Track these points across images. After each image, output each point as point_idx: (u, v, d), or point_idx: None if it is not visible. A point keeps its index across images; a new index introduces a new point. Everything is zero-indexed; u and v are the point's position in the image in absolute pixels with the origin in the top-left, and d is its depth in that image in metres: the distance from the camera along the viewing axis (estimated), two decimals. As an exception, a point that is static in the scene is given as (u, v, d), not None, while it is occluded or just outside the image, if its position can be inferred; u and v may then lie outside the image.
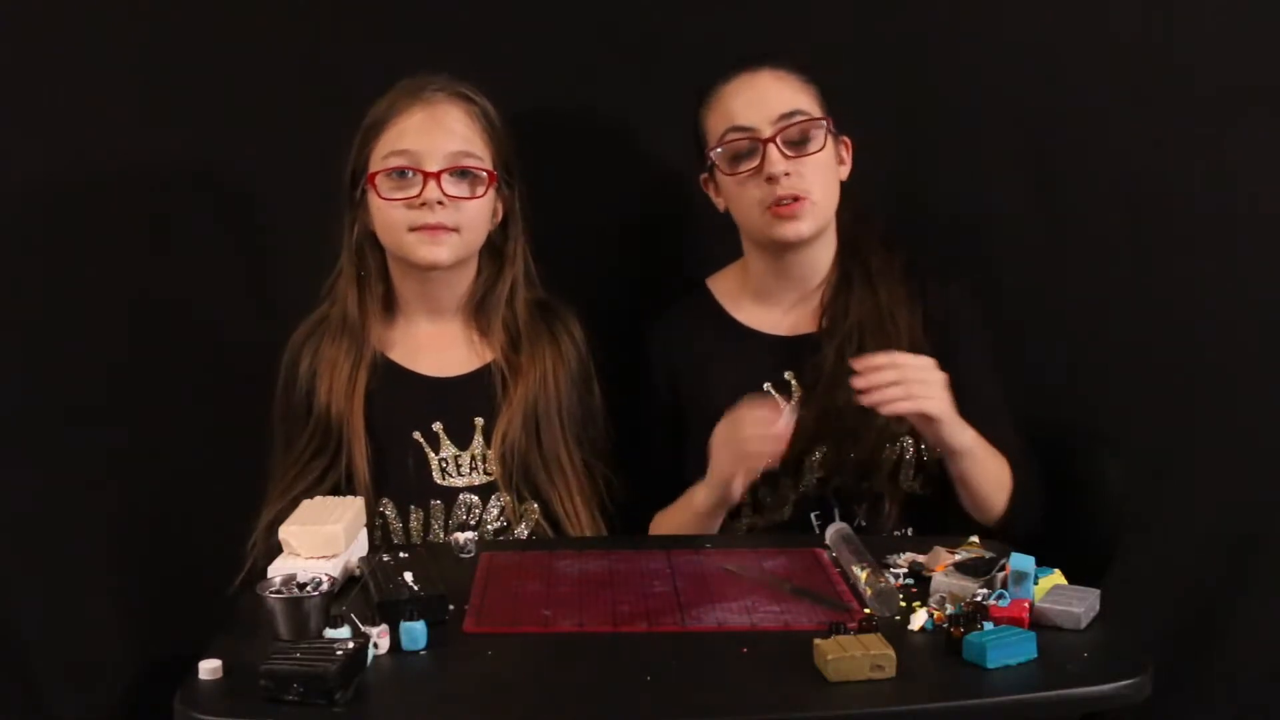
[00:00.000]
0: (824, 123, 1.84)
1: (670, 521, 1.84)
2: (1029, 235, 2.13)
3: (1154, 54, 2.08)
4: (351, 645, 1.28)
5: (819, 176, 1.83)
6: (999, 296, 2.07)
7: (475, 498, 1.83)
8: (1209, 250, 2.12)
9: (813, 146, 1.82)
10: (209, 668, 1.30)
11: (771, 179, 1.80)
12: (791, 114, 1.81)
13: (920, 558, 1.54)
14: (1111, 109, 2.09)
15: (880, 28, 2.08)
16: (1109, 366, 2.14)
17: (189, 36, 2.04)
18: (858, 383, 1.66)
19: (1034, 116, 2.11)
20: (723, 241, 1.96)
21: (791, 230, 1.82)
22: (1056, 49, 2.09)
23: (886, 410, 1.68)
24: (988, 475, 1.77)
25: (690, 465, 1.83)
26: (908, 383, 1.66)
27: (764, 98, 1.83)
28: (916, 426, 1.73)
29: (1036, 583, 1.40)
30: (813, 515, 1.84)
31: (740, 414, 1.71)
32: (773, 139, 1.80)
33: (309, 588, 1.40)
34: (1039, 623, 1.36)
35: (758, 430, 1.69)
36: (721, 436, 1.73)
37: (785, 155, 1.80)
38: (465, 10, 2.06)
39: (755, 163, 1.81)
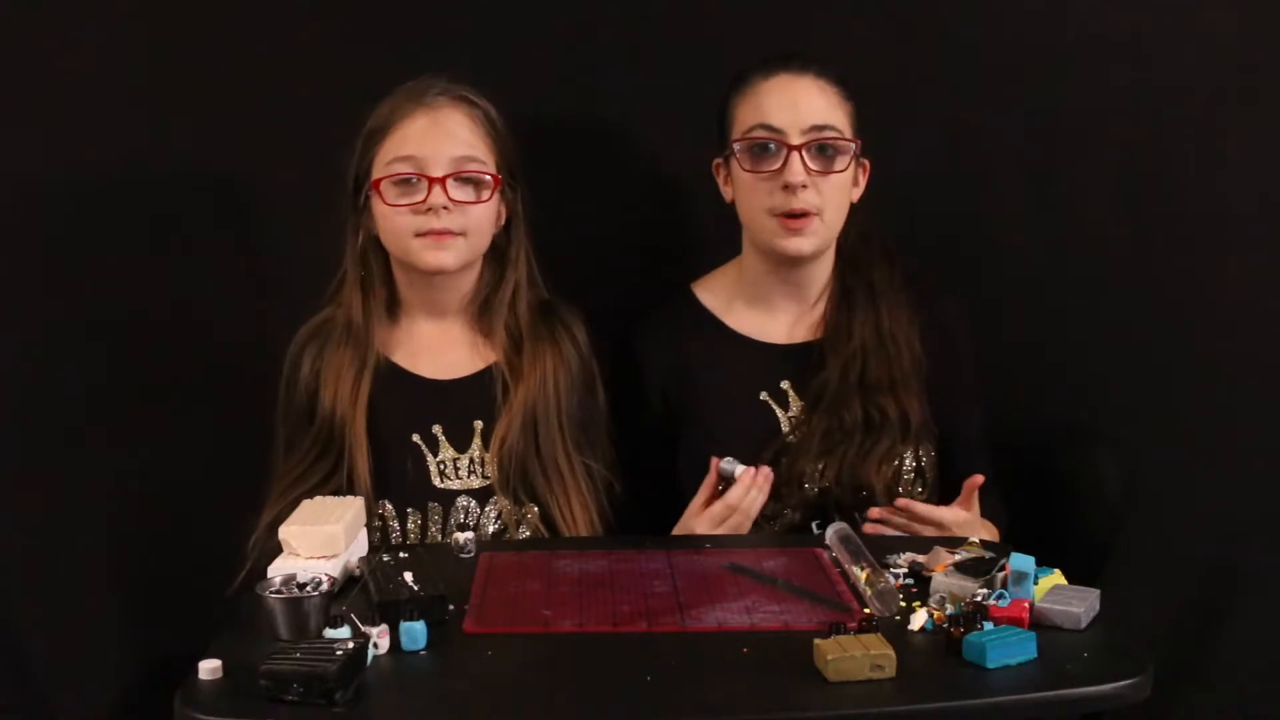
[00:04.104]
0: (852, 145, 1.82)
1: None
2: (1028, 234, 2.13)
3: (1153, 53, 2.09)
4: (351, 645, 1.28)
5: (834, 197, 1.81)
6: (998, 296, 2.07)
7: (473, 501, 1.83)
8: (1208, 249, 2.12)
9: (837, 165, 1.80)
10: (209, 668, 1.29)
11: (788, 187, 1.78)
12: (823, 127, 1.79)
13: (920, 558, 1.54)
14: (1110, 108, 2.10)
15: (878, 29, 2.08)
16: (1108, 366, 2.14)
17: (190, 37, 2.04)
18: (867, 529, 1.74)
19: (1032, 115, 2.11)
20: (725, 244, 1.96)
21: (794, 245, 1.81)
22: (1055, 49, 2.09)
23: None
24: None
25: (683, 470, 1.83)
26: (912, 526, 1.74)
27: (800, 103, 1.80)
28: None
29: (1036, 583, 1.40)
30: (814, 524, 1.83)
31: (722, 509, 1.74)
32: (799, 148, 1.78)
33: (309, 588, 1.40)
34: (1039, 623, 1.36)
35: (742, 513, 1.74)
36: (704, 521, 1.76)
37: (808, 168, 1.78)
38: (465, 12, 2.06)
39: (776, 165, 1.79)
